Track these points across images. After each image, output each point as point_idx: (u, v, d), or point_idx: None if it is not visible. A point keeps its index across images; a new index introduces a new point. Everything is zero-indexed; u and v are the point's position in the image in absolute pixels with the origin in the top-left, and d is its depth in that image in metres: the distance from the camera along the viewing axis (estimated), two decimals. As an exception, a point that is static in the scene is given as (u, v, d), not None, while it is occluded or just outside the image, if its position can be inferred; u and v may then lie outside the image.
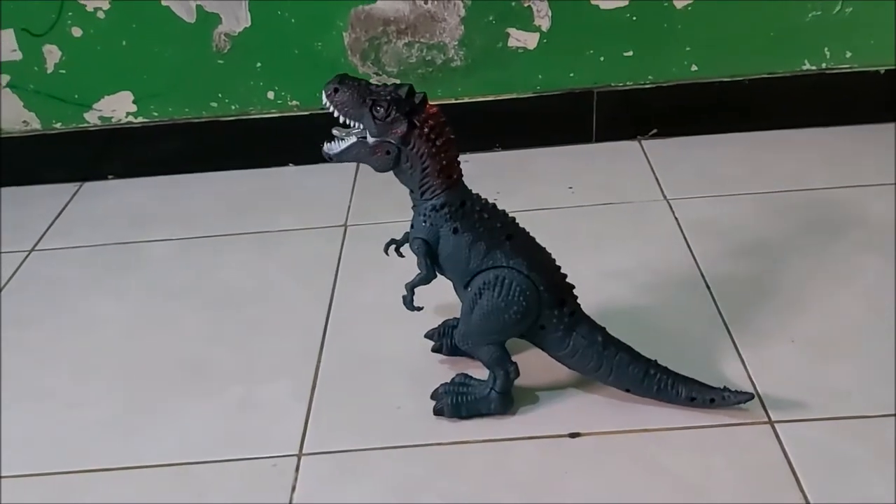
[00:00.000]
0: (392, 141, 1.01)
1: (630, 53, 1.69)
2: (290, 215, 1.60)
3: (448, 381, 1.12)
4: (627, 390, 1.07)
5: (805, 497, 0.95)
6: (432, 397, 1.11)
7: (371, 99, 1.00)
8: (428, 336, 1.21)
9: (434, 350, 1.19)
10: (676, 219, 1.48)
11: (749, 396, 1.04)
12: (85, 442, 1.11)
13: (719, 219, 1.47)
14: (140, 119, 1.73)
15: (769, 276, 1.31)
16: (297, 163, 1.77)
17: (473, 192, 1.06)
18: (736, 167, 1.62)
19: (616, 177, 1.63)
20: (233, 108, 1.73)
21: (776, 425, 1.04)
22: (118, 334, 1.32)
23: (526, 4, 1.64)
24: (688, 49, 1.68)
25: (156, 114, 1.73)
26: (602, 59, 1.69)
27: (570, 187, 1.61)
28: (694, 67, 1.70)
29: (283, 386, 1.17)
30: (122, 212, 1.67)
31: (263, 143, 1.75)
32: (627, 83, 1.71)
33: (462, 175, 1.06)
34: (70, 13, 1.63)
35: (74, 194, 1.75)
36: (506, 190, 1.62)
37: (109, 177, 1.78)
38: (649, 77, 1.71)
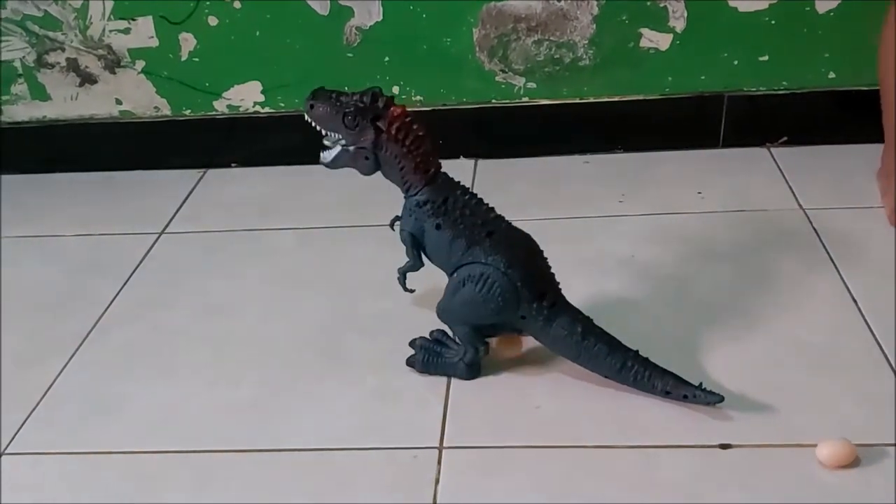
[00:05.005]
0: (366, 147, 1.07)
1: (765, 58, 1.64)
2: (410, 210, 1.60)
3: (428, 335, 1.18)
4: (607, 377, 1.09)
5: (976, 525, 0.90)
6: (410, 345, 1.18)
7: (342, 111, 1.07)
8: None
9: None
10: (815, 229, 1.43)
11: (720, 398, 1.04)
12: (225, 422, 1.13)
13: (860, 231, 1.41)
14: (266, 109, 1.75)
15: (919, 292, 1.26)
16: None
17: (460, 185, 1.11)
18: (874, 179, 1.56)
19: (747, 183, 1.59)
20: (357, 101, 1.73)
21: (936, 448, 1.00)
22: (250, 318, 1.34)
23: (662, 5, 1.61)
24: (826, 55, 1.63)
25: (282, 105, 1.75)
26: (736, 62, 1.65)
27: (700, 192, 1.57)
28: (832, 75, 1.64)
29: (419, 377, 1.17)
30: (245, 199, 1.70)
31: (386, 136, 1.76)
32: (760, 88, 1.66)
33: (441, 167, 1.11)
34: (208, 2, 1.66)
35: (199, 180, 1.78)
36: (631, 192, 1.60)
37: (233, 165, 1.81)
38: (783, 83, 1.66)
